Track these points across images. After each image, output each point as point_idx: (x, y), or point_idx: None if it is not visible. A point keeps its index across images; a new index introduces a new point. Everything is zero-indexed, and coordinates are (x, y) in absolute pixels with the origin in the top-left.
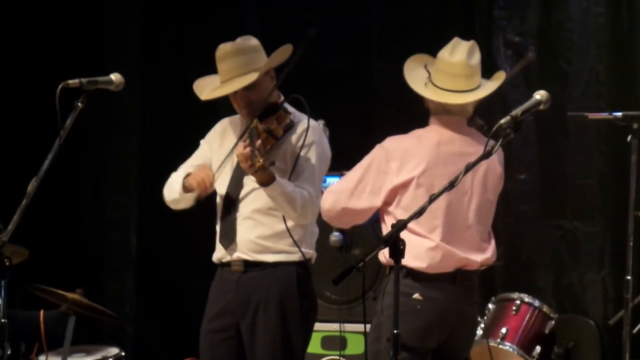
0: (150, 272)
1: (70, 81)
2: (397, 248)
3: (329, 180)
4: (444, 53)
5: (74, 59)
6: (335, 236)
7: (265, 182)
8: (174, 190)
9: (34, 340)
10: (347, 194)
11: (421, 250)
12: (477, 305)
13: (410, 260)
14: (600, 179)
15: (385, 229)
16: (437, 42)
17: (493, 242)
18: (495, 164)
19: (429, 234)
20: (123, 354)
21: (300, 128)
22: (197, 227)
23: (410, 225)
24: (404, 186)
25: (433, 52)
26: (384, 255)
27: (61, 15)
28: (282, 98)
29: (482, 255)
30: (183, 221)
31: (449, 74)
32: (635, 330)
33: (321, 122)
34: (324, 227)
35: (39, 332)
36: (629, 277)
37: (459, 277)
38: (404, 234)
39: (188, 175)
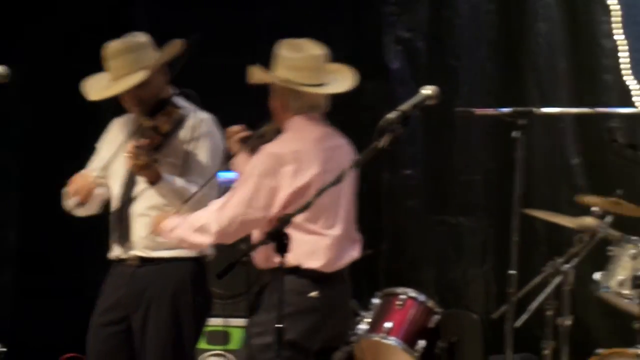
0: (31, 269)
1: None
2: (282, 243)
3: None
4: (288, 52)
5: None
6: None
7: (152, 180)
8: (67, 201)
9: None
10: (243, 205)
11: (318, 249)
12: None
13: (306, 260)
14: (485, 175)
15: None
16: (326, 38)
17: (358, 233)
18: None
19: (325, 230)
20: (4, 349)
21: (190, 122)
22: (97, 226)
23: (305, 224)
24: (305, 187)
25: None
26: (262, 258)
27: None
28: (172, 92)
29: (357, 247)
30: (68, 220)
31: (307, 68)
32: (517, 324)
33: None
34: None
35: None
36: (512, 272)
37: (345, 273)
38: (297, 234)
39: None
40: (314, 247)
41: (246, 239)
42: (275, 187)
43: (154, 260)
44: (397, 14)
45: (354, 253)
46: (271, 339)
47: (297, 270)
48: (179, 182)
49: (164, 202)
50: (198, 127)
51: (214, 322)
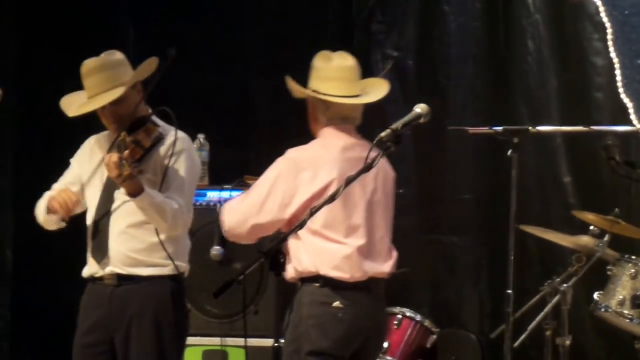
0: (26, 288)
1: None
2: (277, 261)
3: (210, 194)
4: (320, 62)
5: None
6: (216, 250)
7: (134, 192)
8: (40, 213)
9: None
10: (255, 209)
11: (337, 259)
12: (386, 315)
13: (327, 269)
14: (476, 194)
15: (297, 244)
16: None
17: (394, 250)
18: (388, 169)
19: (344, 239)
20: None
21: (169, 140)
22: (72, 242)
23: (324, 231)
24: (321, 193)
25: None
26: (290, 271)
27: None
28: (150, 111)
29: (390, 263)
30: (59, 237)
31: (336, 79)
32: (516, 344)
33: (201, 136)
34: (205, 241)
35: None
36: (509, 291)
37: (372, 286)
38: (320, 242)
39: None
40: (334, 255)
41: (241, 258)
42: (292, 191)
43: (133, 279)
44: (385, 32)
45: (383, 268)
46: (300, 355)
47: (318, 279)
48: (160, 196)
49: (142, 219)
50: (176, 144)
51: (211, 342)
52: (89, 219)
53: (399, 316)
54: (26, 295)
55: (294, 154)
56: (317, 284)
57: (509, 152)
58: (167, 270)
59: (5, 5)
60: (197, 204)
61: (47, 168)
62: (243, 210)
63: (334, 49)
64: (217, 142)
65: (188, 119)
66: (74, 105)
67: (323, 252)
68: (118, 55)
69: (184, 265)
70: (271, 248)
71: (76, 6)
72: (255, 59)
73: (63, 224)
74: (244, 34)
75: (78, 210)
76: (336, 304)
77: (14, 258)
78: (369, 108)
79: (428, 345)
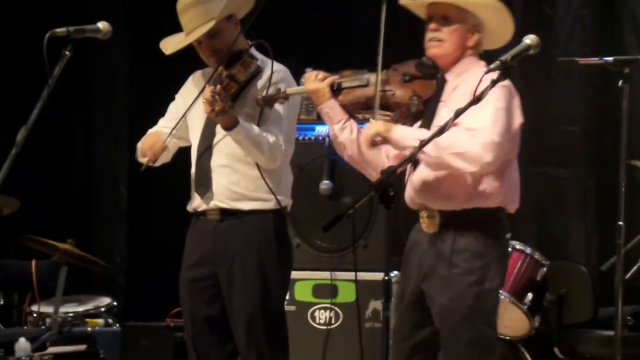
0: (141, 223)
1: (57, 30)
2: (387, 194)
3: (318, 128)
4: None
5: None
6: (325, 184)
7: (229, 125)
8: (138, 152)
9: (27, 290)
10: (504, 139)
11: (516, 190)
12: None
13: (510, 202)
14: (584, 125)
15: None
16: None
17: None
18: None
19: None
20: (115, 303)
21: (267, 73)
22: (184, 179)
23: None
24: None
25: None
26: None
27: None
28: (250, 44)
29: None
30: (172, 173)
31: None
32: (627, 276)
33: (309, 69)
34: (314, 176)
35: (32, 282)
36: (620, 223)
37: None
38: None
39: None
40: (516, 188)
41: (350, 192)
42: (515, 118)
43: (236, 214)
44: None
45: None
46: (490, 285)
47: (501, 211)
48: (256, 129)
49: (244, 153)
50: (274, 77)
51: (321, 276)
52: (193, 154)
53: (509, 249)
54: (141, 231)
55: (506, 82)
56: (497, 217)
57: (620, 82)
58: (269, 205)
59: None
60: (306, 138)
61: (159, 104)
62: (499, 143)
63: None
64: None
65: (295, 51)
66: (172, 44)
67: (513, 185)
68: None
69: (286, 200)
70: (381, 181)
71: None
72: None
73: (161, 158)
74: None
75: (182, 144)
76: (508, 236)
77: (129, 194)
78: None
79: (538, 278)
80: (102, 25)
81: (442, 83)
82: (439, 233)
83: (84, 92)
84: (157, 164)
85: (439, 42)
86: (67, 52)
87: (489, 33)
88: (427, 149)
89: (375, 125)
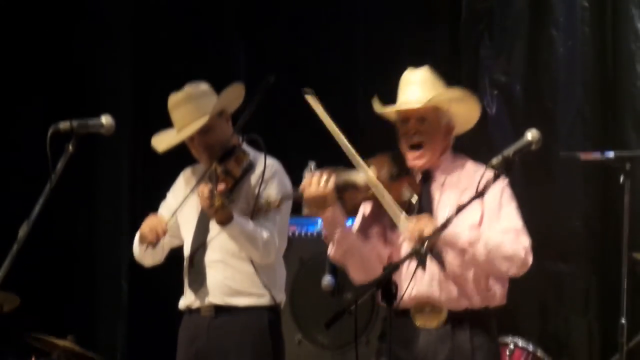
0: (141, 319)
1: (61, 125)
2: (389, 291)
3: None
4: None
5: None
6: (327, 280)
7: (224, 221)
8: (135, 247)
9: None
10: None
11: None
12: None
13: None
14: (586, 220)
15: None
16: None
17: None
18: None
19: None
20: None
21: (259, 168)
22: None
23: None
24: None
25: None
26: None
27: (52, 57)
28: (240, 139)
29: None
30: (173, 268)
31: None
32: None
33: (312, 164)
34: (315, 271)
35: None
36: (623, 321)
37: None
38: None
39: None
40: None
41: (352, 288)
42: None
43: (230, 310)
44: (493, 57)
45: None
46: None
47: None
48: (250, 225)
49: (238, 248)
50: (266, 172)
51: None
52: (186, 251)
53: (511, 346)
54: (141, 326)
55: (505, 180)
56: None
57: (621, 179)
58: (263, 301)
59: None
60: (308, 233)
61: (161, 201)
62: (527, 237)
63: (442, 73)
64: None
65: (300, 145)
66: (164, 141)
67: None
68: (203, 86)
69: (280, 295)
70: (383, 277)
71: (185, 36)
72: (363, 83)
73: (155, 256)
74: (350, 58)
75: (175, 242)
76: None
77: (129, 289)
78: (474, 133)
79: None
80: (105, 119)
81: (427, 178)
82: (448, 329)
83: (85, 185)
84: (150, 263)
85: (420, 151)
86: (70, 148)
87: (458, 121)
88: (477, 248)
89: (427, 225)
